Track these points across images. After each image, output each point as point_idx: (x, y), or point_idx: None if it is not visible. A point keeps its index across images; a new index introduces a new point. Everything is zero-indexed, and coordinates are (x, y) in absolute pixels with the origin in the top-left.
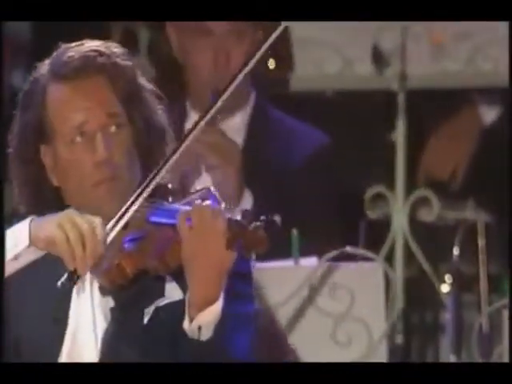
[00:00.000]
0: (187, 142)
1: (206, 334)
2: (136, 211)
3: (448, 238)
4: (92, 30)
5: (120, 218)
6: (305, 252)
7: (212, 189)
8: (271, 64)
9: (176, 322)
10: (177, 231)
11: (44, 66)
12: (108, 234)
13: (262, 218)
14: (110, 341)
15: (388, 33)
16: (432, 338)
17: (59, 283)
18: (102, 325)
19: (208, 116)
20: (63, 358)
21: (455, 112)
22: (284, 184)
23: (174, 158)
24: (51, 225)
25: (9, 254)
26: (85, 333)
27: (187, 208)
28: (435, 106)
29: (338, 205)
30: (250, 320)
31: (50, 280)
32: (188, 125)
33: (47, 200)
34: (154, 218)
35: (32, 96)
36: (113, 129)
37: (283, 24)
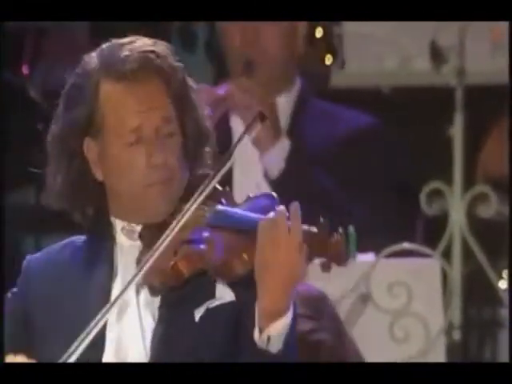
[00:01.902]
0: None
1: (275, 345)
2: (194, 214)
3: (506, 233)
4: (151, 29)
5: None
6: (362, 248)
7: (275, 195)
8: (328, 60)
9: (228, 324)
10: (242, 237)
11: (93, 60)
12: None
13: (341, 230)
14: (161, 341)
15: (446, 29)
16: (490, 334)
17: None
18: (149, 323)
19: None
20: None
21: None
22: (329, 163)
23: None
24: None
25: None
26: (131, 333)
27: (263, 217)
28: (493, 101)
29: (396, 200)
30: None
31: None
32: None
33: (87, 197)
34: (216, 222)
35: (82, 89)
36: (166, 133)
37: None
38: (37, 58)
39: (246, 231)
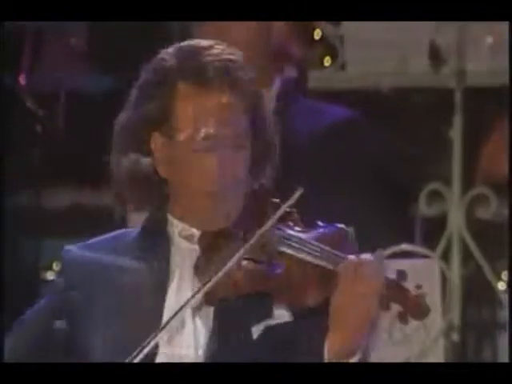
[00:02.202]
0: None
1: None
2: (263, 234)
3: (505, 235)
4: (151, 29)
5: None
6: (360, 248)
7: (348, 230)
8: (327, 61)
9: (286, 343)
10: (316, 270)
11: (170, 58)
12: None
13: (419, 284)
14: (215, 355)
15: (445, 29)
16: (489, 335)
17: None
18: (202, 333)
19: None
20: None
21: None
22: (322, 162)
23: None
24: None
25: None
26: (184, 341)
27: (339, 254)
28: (493, 103)
29: (395, 201)
30: None
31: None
32: None
33: (148, 190)
34: (288, 249)
35: (158, 87)
36: (237, 145)
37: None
38: (34, 65)
39: (319, 265)
